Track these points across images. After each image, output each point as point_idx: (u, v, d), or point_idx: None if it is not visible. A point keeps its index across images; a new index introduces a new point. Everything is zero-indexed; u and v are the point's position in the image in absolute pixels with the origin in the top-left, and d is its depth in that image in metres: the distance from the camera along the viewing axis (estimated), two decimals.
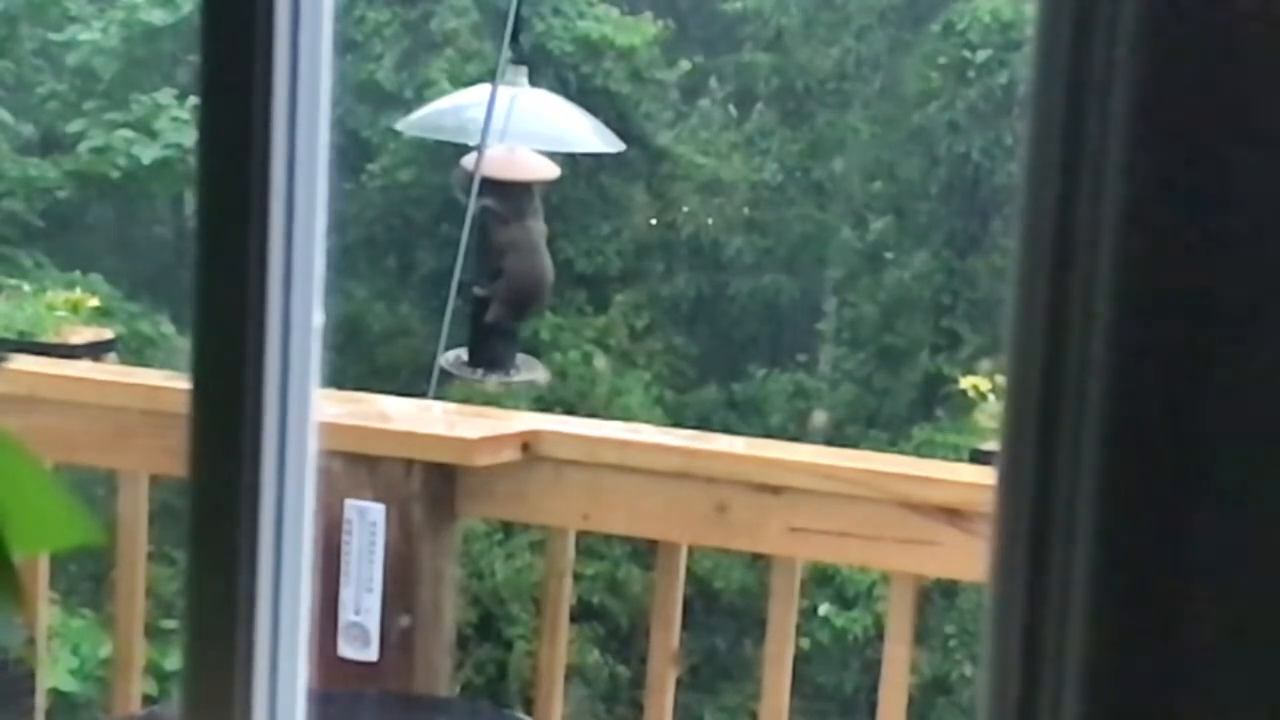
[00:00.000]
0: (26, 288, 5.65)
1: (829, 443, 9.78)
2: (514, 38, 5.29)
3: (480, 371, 5.38)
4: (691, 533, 2.84)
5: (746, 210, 12.92)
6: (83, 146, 11.37)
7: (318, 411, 0.81)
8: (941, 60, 11.91)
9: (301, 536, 0.82)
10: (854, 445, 10.09)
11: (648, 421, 10.47)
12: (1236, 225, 0.58)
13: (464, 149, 5.40)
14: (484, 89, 5.38)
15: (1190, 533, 0.59)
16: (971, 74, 11.72)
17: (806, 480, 2.69)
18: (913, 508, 2.62)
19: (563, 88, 10.40)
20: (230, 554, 0.81)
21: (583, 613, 9.61)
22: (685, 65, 13.01)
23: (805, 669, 9.10)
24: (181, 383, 0.85)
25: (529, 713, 3.11)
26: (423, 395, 4.56)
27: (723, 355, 12.87)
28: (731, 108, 13.21)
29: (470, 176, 5.14)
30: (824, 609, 10.34)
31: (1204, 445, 0.58)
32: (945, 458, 6.84)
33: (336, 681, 2.70)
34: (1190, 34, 0.57)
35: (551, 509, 2.86)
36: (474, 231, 5.28)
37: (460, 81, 11.05)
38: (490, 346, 5.40)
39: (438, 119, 6.48)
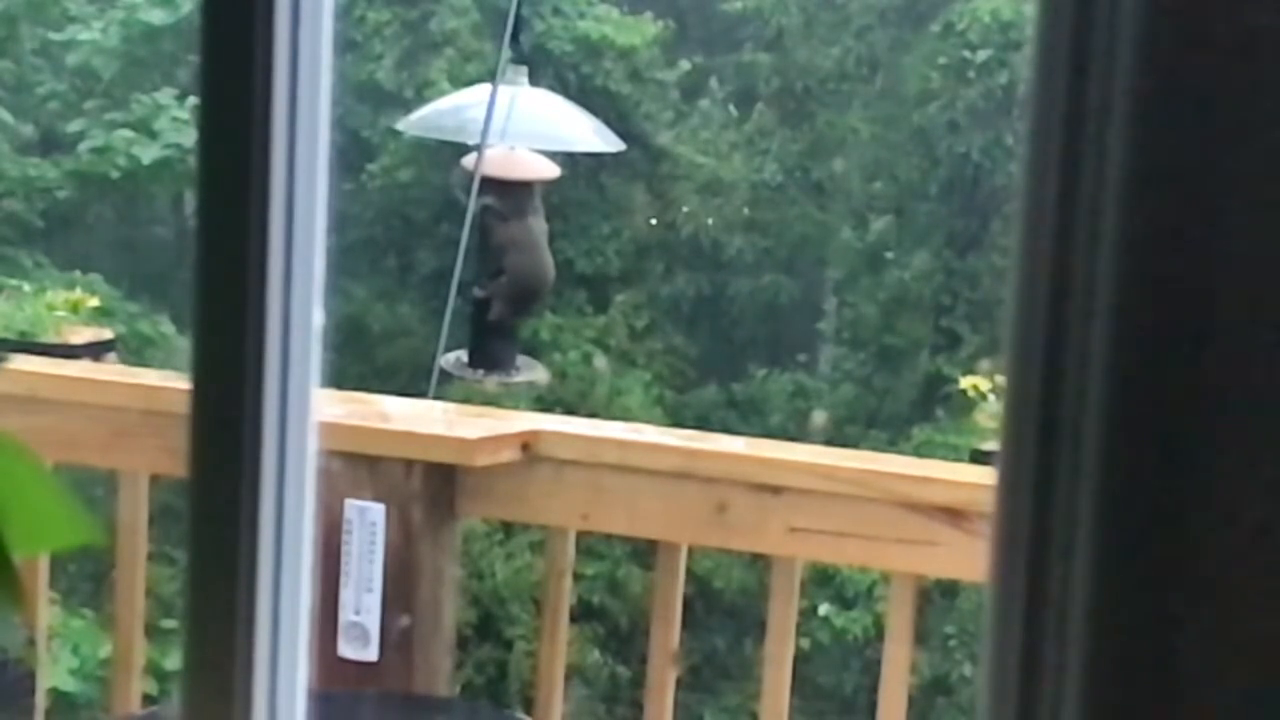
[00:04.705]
0: (26, 288, 5.66)
1: (829, 443, 9.78)
2: (514, 38, 5.29)
3: (480, 372, 5.38)
4: (691, 533, 2.84)
5: (746, 210, 12.91)
6: (83, 146, 11.36)
7: (318, 411, 0.81)
8: (941, 60, 11.91)
9: (301, 536, 0.82)
10: (854, 445, 10.08)
11: (648, 421, 10.47)
12: (1237, 225, 0.58)
13: (464, 149, 5.40)
14: (484, 89, 5.38)
15: (1190, 532, 0.59)
16: (971, 74, 11.72)
17: (806, 480, 2.69)
18: (913, 508, 2.62)
19: (563, 88, 10.39)
20: (230, 554, 0.81)
21: (583, 613, 9.61)
22: (685, 65, 13.01)
23: (805, 669, 9.10)
24: (181, 383, 0.85)
25: (529, 713, 3.10)
26: (423, 395, 4.56)
27: (723, 355, 12.87)
28: (731, 108, 13.21)
29: (470, 176, 5.14)
30: (824, 609, 10.34)
31: (1204, 445, 0.58)
32: (945, 458, 6.84)
33: (336, 681, 2.70)
34: (1190, 34, 0.57)
35: (551, 509, 2.86)
36: (474, 231, 5.28)
37: (460, 81, 11.04)
38: (490, 347, 5.40)
39: (438, 119, 6.48)
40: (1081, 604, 0.59)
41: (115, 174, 11.22)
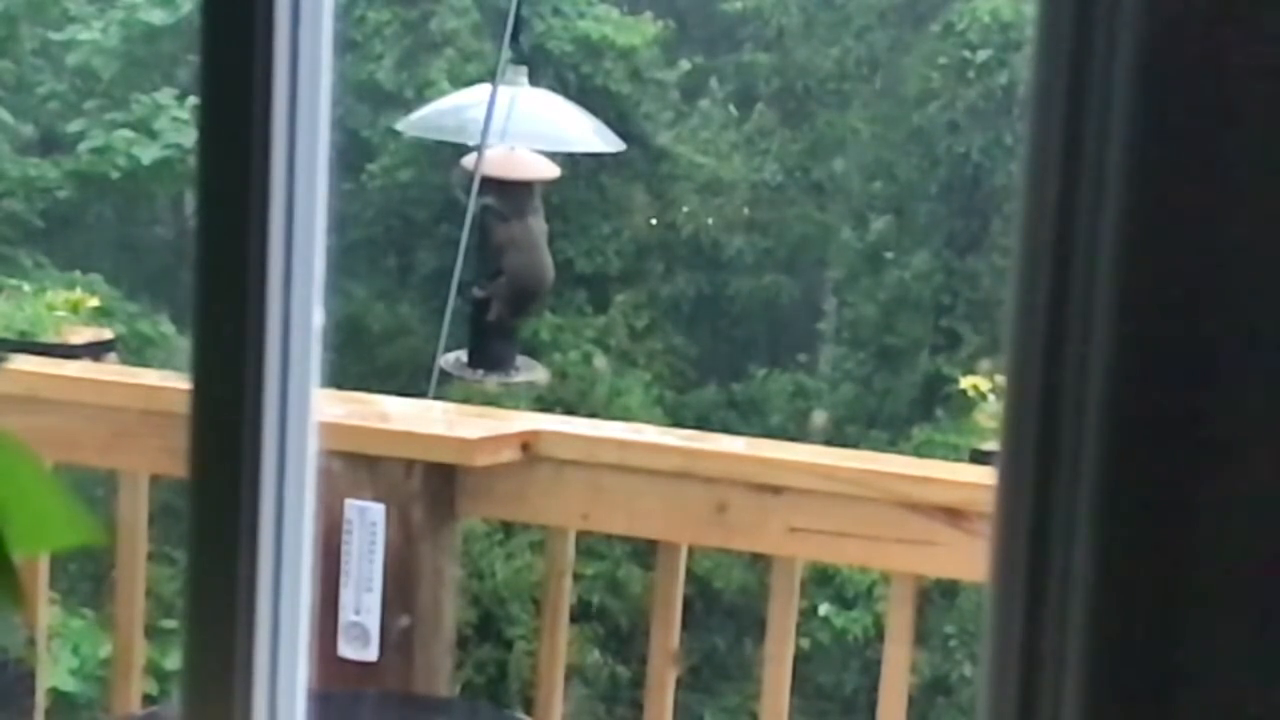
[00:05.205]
0: (26, 288, 5.66)
1: (829, 443, 9.77)
2: (514, 38, 5.29)
3: (480, 372, 5.38)
4: (691, 533, 2.84)
5: (746, 210, 12.91)
6: (83, 146, 11.36)
7: (318, 411, 0.81)
8: (941, 60, 11.90)
9: (301, 536, 0.82)
10: (854, 445, 10.08)
11: (648, 421, 10.47)
12: (1236, 225, 0.58)
13: (464, 149, 5.40)
14: (484, 89, 5.38)
15: (1190, 532, 0.59)
16: (971, 74, 11.72)
17: (806, 480, 2.69)
18: (913, 508, 2.62)
19: (563, 88, 10.39)
20: (230, 554, 0.81)
21: (583, 613, 9.61)
22: (685, 65, 13.00)
23: (805, 669, 9.10)
24: (181, 383, 0.85)
25: (529, 713, 3.11)
26: (423, 395, 4.56)
27: (723, 355, 12.87)
28: (731, 108, 13.21)
29: (470, 176, 5.14)
30: (824, 609, 10.34)
31: (1204, 445, 0.58)
32: (945, 458, 6.84)
33: (336, 681, 2.70)
34: (1190, 34, 0.57)
35: (551, 509, 2.86)
36: (474, 231, 5.28)
37: (460, 81, 11.04)
38: (490, 347, 5.40)
39: (438, 119, 6.48)
40: (1081, 604, 0.59)
41: (115, 174, 11.22)
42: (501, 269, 5.35)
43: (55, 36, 12.04)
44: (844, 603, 10.50)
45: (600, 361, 11.81)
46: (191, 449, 0.82)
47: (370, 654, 2.73)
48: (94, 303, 4.44)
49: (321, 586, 2.59)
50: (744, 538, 2.89)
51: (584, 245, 12.21)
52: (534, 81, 5.58)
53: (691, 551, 3.00)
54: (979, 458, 3.05)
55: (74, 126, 11.58)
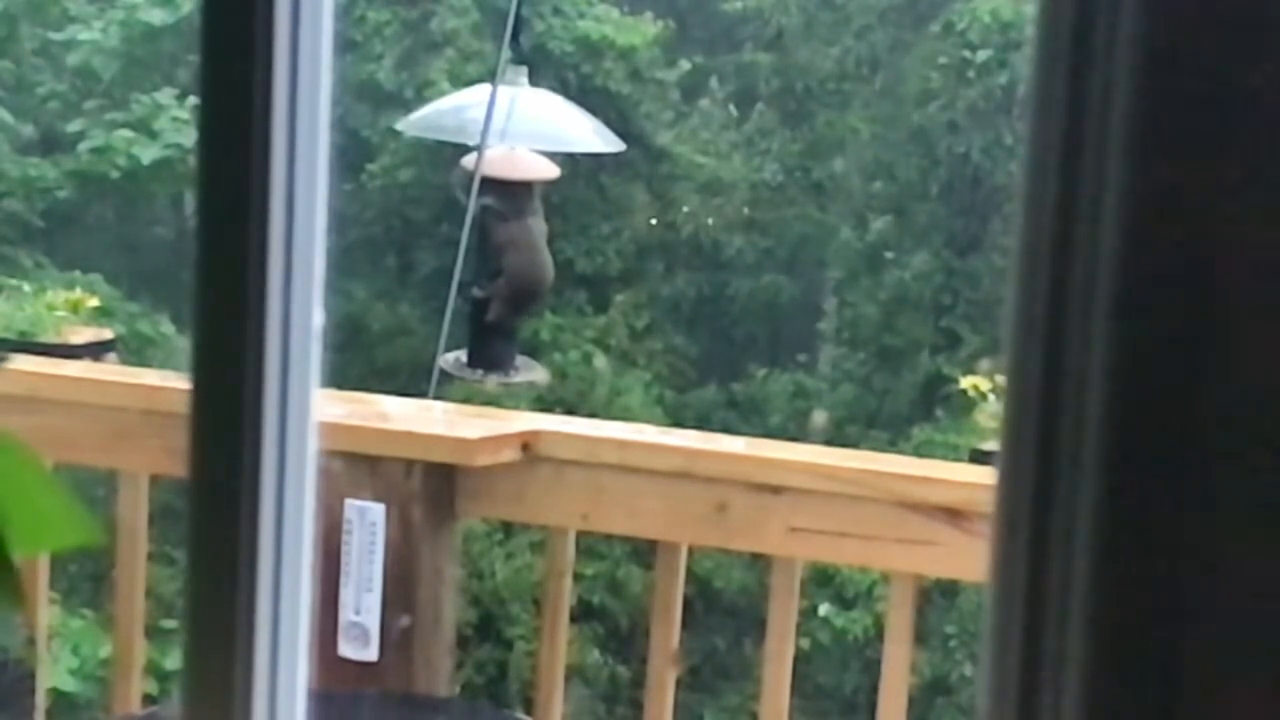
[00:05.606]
0: (26, 288, 5.65)
1: (829, 443, 9.78)
2: (514, 38, 5.29)
3: (480, 372, 5.38)
4: (691, 533, 2.84)
5: (746, 210, 12.92)
6: (83, 146, 11.36)
7: (318, 411, 0.81)
8: (941, 60, 11.91)
9: (301, 536, 0.82)
10: (854, 445, 10.09)
11: (648, 421, 10.46)
12: (1236, 224, 0.58)
13: (464, 149, 5.40)
14: (484, 89, 5.38)
15: (1190, 532, 0.59)
16: (971, 74, 11.72)
17: (806, 480, 2.69)
18: (913, 508, 2.62)
19: (563, 88, 10.39)
20: (230, 554, 0.81)
21: (583, 613, 9.61)
22: (685, 65, 13.01)
23: (805, 669, 9.10)
24: (181, 383, 0.85)
25: (529, 713, 3.11)
26: (423, 395, 4.56)
27: (723, 355, 12.87)
28: (731, 108, 13.21)
29: (470, 176, 5.14)
30: (824, 609, 10.34)
31: (1203, 445, 0.58)
32: (945, 458, 6.84)
33: (336, 681, 2.70)
34: (1189, 34, 0.57)
35: (551, 509, 2.86)
36: (474, 231, 5.28)
37: (460, 81, 11.04)
38: (490, 347, 5.40)
39: (438, 119, 6.47)
40: (1081, 604, 0.59)
41: (115, 174, 11.22)
42: (501, 269, 5.35)
43: (55, 36, 12.04)
44: (844, 603, 10.50)
45: (600, 361, 11.81)
46: (191, 449, 0.82)
47: (370, 654, 2.73)
48: (94, 303, 4.43)
49: (321, 586, 2.59)
50: (744, 538, 2.89)
51: (584, 245, 12.21)
52: (534, 81, 5.57)
53: (691, 551, 3.00)
54: (979, 458, 3.04)
55: (74, 126, 11.58)
